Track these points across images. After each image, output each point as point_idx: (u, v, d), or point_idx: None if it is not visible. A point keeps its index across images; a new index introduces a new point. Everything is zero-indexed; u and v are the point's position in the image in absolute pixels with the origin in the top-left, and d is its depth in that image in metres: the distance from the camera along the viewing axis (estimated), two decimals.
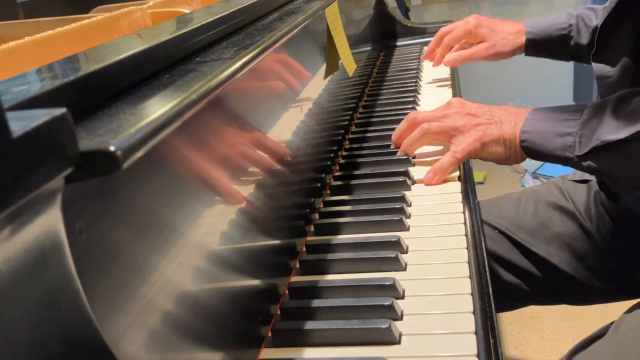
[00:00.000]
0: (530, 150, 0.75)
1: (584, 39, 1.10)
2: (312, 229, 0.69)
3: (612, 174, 0.71)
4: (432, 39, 1.24)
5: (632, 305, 0.75)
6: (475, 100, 0.83)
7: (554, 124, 0.73)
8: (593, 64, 0.88)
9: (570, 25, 1.10)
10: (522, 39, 1.12)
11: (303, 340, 0.50)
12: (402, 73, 1.31)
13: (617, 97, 0.70)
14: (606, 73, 0.86)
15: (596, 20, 1.09)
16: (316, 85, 0.81)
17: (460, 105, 0.81)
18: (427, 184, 0.77)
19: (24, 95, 0.31)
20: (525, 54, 1.15)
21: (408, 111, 1.03)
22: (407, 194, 0.74)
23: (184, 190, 0.41)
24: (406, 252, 0.62)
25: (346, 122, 0.99)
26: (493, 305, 0.52)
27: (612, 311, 0.77)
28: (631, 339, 0.68)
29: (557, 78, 2.83)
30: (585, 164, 0.70)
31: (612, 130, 0.67)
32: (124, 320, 0.32)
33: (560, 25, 1.11)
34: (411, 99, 1.11)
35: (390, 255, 0.59)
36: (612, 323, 0.73)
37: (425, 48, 1.27)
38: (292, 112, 0.68)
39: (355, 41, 1.15)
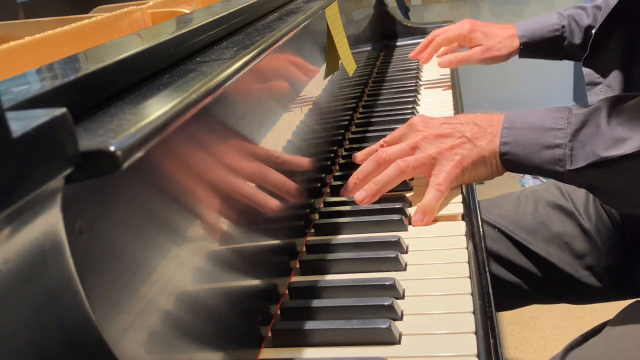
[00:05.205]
0: (512, 164, 0.68)
1: (577, 39, 1.11)
2: (312, 229, 0.69)
3: (609, 190, 0.65)
4: (423, 40, 1.24)
5: (629, 304, 0.76)
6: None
7: (538, 133, 0.66)
8: (584, 68, 0.88)
9: (563, 26, 1.12)
10: (516, 43, 1.14)
11: (303, 340, 0.50)
12: (402, 73, 1.31)
13: (609, 103, 0.64)
14: (596, 80, 0.86)
15: (587, 19, 1.10)
16: (316, 85, 0.80)
17: (425, 125, 0.72)
18: (416, 225, 0.67)
19: (24, 95, 0.31)
20: (520, 57, 1.17)
21: (408, 111, 1.03)
22: (407, 193, 0.74)
23: (184, 190, 0.41)
24: (406, 252, 0.62)
25: (346, 122, 0.99)
26: (493, 305, 0.52)
27: (611, 311, 0.77)
28: (627, 335, 0.68)
29: (557, 78, 2.84)
30: (579, 179, 0.65)
31: (613, 144, 0.61)
32: (124, 320, 0.32)
33: (553, 26, 1.12)
34: (411, 99, 1.11)
35: (390, 255, 0.59)
36: (608, 321, 0.73)
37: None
38: (292, 112, 0.68)
39: (355, 41, 1.15)
